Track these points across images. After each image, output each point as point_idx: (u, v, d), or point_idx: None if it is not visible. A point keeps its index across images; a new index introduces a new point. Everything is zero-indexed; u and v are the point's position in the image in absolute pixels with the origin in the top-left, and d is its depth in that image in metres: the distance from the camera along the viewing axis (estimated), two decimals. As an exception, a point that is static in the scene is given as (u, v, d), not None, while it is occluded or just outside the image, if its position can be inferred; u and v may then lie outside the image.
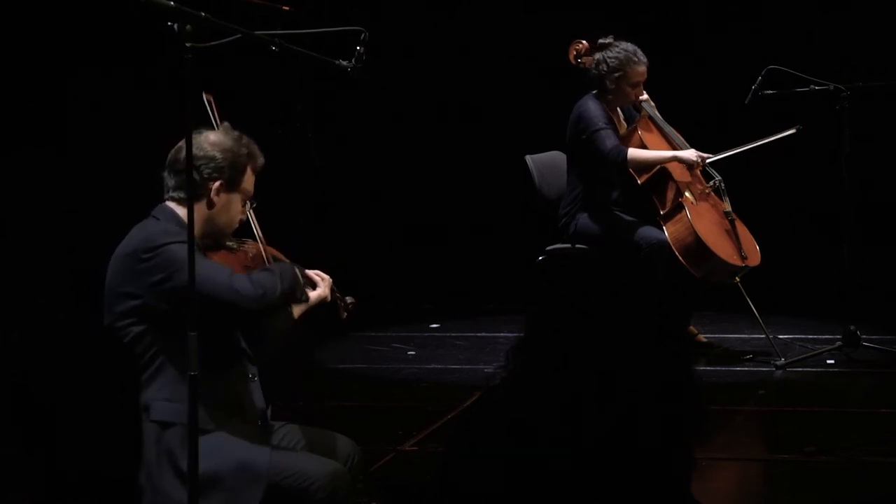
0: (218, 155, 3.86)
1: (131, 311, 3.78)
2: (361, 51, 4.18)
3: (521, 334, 1.85)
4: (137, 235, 3.83)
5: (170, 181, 3.91)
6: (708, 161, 7.07)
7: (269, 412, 3.99)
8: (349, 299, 4.33)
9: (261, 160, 4.00)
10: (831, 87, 7.05)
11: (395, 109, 9.29)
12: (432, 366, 7.20)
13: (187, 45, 3.53)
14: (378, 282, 8.48)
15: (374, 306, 7.78)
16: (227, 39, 3.78)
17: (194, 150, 3.86)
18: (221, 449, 3.75)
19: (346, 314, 4.34)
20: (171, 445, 3.76)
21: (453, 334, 7.98)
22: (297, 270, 3.98)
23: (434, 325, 8.21)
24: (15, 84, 7.50)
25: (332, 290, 4.22)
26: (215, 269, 3.76)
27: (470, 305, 8.56)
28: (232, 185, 3.91)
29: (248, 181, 3.97)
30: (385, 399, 6.58)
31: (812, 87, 7.08)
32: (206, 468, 3.65)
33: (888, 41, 8.53)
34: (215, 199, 3.88)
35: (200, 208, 3.85)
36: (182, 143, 3.89)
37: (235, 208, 3.94)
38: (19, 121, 7.50)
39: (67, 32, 7.81)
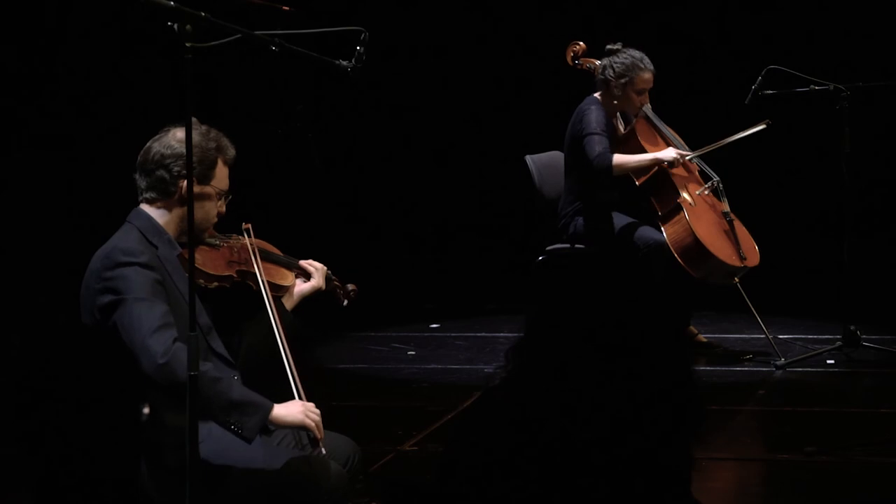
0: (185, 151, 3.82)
1: (94, 329, 3.76)
2: (361, 51, 4.17)
3: (521, 334, 1.85)
4: (104, 250, 3.79)
5: (141, 182, 3.89)
6: (687, 158, 7.07)
7: None
8: (350, 286, 4.31)
9: (231, 152, 3.96)
10: (831, 87, 7.06)
11: (396, 109, 9.30)
12: (432, 366, 7.20)
13: (187, 45, 3.53)
14: (378, 282, 8.48)
15: (374, 306, 7.80)
16: (227, 39, 3.78)
17: (161, 149, 3.86)
18: (217, 453, 3.74)
19: (346, 301, 4.32)
20: (163, 457, 3.74)
21: (453, 334, 7.98)
22: (253, 407, 3.69)
23: (434, 325, 8.21)
24: (15, 85, 7.50)
25: (328, 279, 4.21)
26: (141, 319, 3.64)
27: (470, 305, 8.56)
28: (203, 180, 3.87)
29: (221, 175, 3.93)
30: (385, 399, 6.58)
31: (812, 87, 7.08)
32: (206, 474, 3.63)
33: (888, 41, 8.54)
34: (187, 196, 3.85)
35: (173, 207, 3.85)
36: (150, 144, 3.90)
37: (210, 203, 3.91)
38: (20, 123, 7.50)
39: (66, 31, 7.81)
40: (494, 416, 1.82)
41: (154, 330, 3.63)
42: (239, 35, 3.79)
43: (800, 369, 6.95)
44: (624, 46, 7.11)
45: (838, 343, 7.09)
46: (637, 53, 7.05)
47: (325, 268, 4.19)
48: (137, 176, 3.90)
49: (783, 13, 8.91)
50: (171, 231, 3.87)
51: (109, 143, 7.59)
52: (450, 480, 1.83)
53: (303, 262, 4.17)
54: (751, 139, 7.15)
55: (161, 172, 3.85)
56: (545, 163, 7.46)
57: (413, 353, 7.51)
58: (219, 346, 3.90)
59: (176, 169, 3.83)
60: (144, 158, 3.88)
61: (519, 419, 1.79)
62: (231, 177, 4.00)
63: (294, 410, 3.76)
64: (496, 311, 8.24)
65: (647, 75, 7.05)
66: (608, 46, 7.14)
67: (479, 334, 7.91)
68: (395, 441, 5.68)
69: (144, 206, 3.89)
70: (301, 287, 4.14)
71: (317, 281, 4.14)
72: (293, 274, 4.16)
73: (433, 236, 9.34)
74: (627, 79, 7.04)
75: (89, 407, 4.13)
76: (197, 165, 3.84)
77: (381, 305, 8.14)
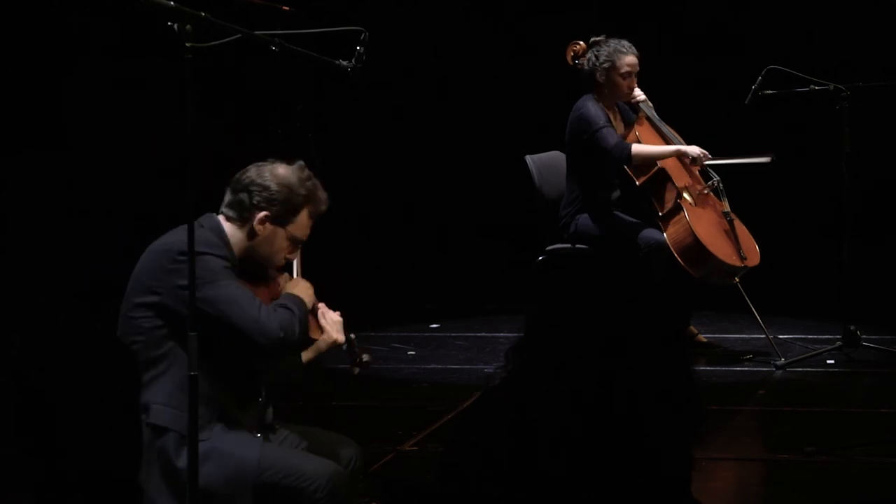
0: (273, 186, 3.86)
1: (148, 306, 3.77)
2: (361, 51, 4.18)
3: (521, 334, 1.85)
4: (178, 235, 3.79)
5: (227, 196, 3.93)
6: (706, 162, 7.09)
7: (269, 414, 3.98)
8: (365, 357, 4.20)
9: (322, 207, 3.99)
10: (831, 87, 7.06)
11: (396, 109, 9.29)
12: (432, 366, 7.20)
13: (187, 45, 3.53)
14: (378, 282, 8.47)
15: (374, 306, 7.80)
16: (227, 39, 3.78)
17: (254, 176, 3.90)
18: (211, 456, 3.74)
19: (356, 370, 4.26)
20: (164, 451, 3.75)
21: (453, 334, 7.98)
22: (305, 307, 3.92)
23: (434, 325, 8.21)
24: (15, 87, 7.50)
25: (348, 337, 4.13)
26: (246, 298, 3.74)
27: (470, 305, 8.56)
28: (280, 220, 3.90)
29: (302, 223, 3.94)
30: (385, 399, 6.58)
31: (812, 87, 7.09)
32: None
33: (888, 41, 8.53)
34: (259, 228, 3.87)
35: (242, 232, 3.88)
36: (251, 166, 3.94)
37: (279, 244, 3.92)
38: (20, 123, 7.50)
39: (65, 32, 7.81)
40: (494, 416, 1.82)
41: (260, 306, 3.75)
42: (239, 35, 3.80)
43: (800, 369, 6.95)
44: (607, 38, 7.14)
45: (838, 343, 7.09)
46: (619, 41, 7.10)
47: (341, 320, 4.09)
48: (228, 188, 3.94)
49: (783, 13, 8.91)
50: (235, 250, 3.88)
51: (110, 143, 7.59)
52: (450, 480, 1.83)
53: (322, 319, 4.07)
54: (751, 138, 7.16)
55: (243, 195, 3.88)
56: (545, 163, 7.46)
57: (413, 353, 7.51)
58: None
59: (256, 199, 3.87)
60: (238, 177, 3.93)
61: (519, 419, 1.79)
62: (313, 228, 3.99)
63: (301, 288, 3.95)
64: (496, 311, 8.23)
65: (630, 58, 7.07)
66: (592, 39, 7.18)
67: (479, 334, 7.91)
68: (395, 441, 5.68)
69: (220, 217, 3.91)
70: (319, 343, 4.06)
71: (330, 335, 4.05)
72: (321, 331, 4.08)
73: (433, 236, 9.33)
74: (610, 63, 7.06)
75: (89, 407, 4.13)
76: (279, 204, 3.88)
77: (381, 305, 8.14)
